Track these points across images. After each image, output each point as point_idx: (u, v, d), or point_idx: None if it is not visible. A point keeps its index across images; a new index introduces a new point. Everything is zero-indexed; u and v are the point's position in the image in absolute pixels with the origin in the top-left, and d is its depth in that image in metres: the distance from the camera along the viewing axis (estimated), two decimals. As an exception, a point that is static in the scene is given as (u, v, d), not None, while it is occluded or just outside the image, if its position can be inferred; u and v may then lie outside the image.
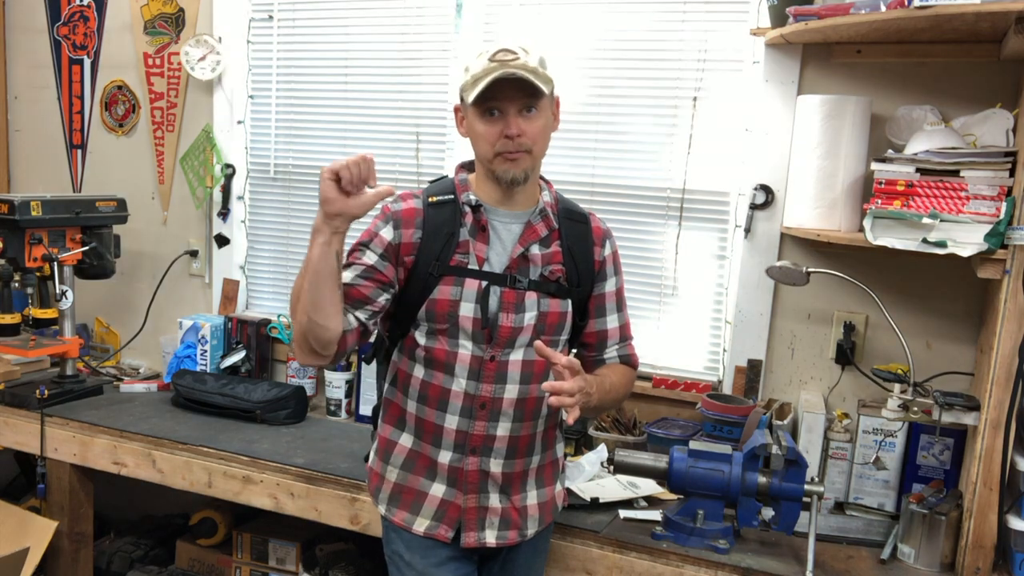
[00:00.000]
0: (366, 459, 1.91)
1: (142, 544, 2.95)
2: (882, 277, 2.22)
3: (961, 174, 1.84)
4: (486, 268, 1.69)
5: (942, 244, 1.83)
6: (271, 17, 2.95)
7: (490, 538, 1.73)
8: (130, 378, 3.02)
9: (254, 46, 2.99)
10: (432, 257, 1.67)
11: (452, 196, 1.71)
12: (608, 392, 1.74)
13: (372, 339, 1.78)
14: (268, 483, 2.29)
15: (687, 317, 2.54)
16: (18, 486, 3.17)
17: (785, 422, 2.20)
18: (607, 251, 1.82)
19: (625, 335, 1.89)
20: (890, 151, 2.01)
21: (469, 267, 1.68)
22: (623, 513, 2.06)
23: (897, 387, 1.98)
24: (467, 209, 1.70)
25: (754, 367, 2.41)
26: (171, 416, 2.64)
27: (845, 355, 2.30)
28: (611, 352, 1.86)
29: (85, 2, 3.19)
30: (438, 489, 1.73)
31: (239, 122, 3.01)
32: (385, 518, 1.79)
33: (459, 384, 1.69)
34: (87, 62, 3.22)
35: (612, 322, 1.85)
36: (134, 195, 3.04)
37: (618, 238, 2.55)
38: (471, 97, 1.59)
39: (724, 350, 2.49)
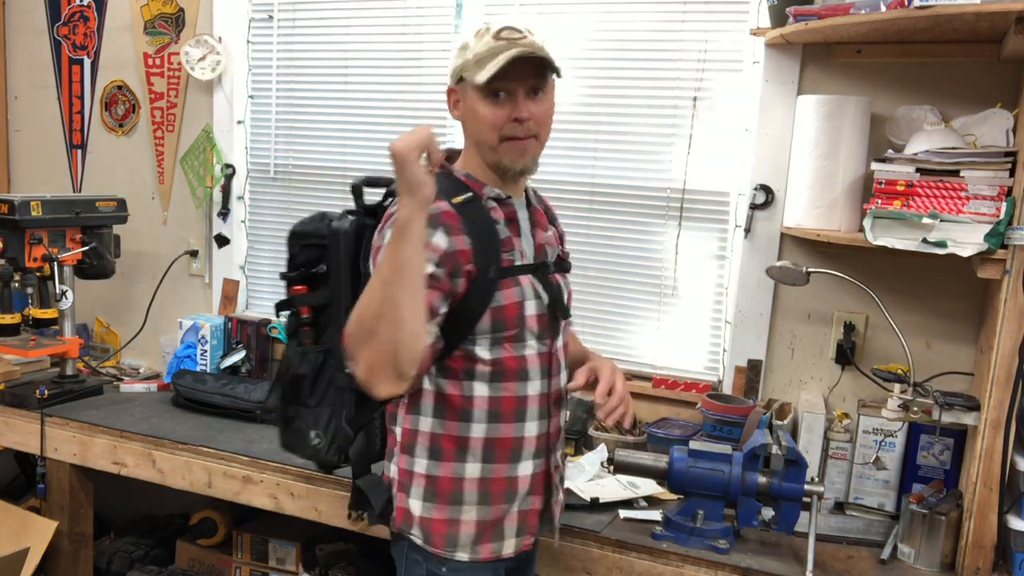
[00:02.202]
0: (382, 515, 1.64)
1: (142, 544, 2.95)
2: (882, 277, 2.22)
3: (961, 174, 1.84)
4: (525, 260, 1.60)
5: (942, 244, 1.83)
6: (271, 17, 2.95)
7: (557, 529, 1.74)
8: (130, 378, 3.02)
9: (254, 46, 2.99)
10: (489, 262, 1.52)
11: (472, 193, 1.57)
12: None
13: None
14: (268, 483, 2.29)
15: (687, 317, 2.54)
16: (18, 486, 3.17)
17: (785, 422, 2.20)
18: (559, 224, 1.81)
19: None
20: (890, 151, 2.01)
21: (516, 264, 1.58)
22: (623, 513, 2.06)
23: (897, 387, 1.98)
24: (493, 204, 1.58)
25: (754, 367, 2.41)
26: (171, 416, 2.64)
27: (845, 355, 2.30)
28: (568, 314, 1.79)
29: (85, 2, 3.19)
30: (518, 504, 1.62)
31: (239, 122, 3.01)
32: (467, 563, 1.59)
33: (534, 387, 1.60)
34: (87, 62, 3.22)
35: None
36: (134, 195, 3.04)
37: (618, 238, 2.58)
38: (480, 77, 1.49)
39: (724, 350, 2.49)
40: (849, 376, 2.33)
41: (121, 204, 2.91)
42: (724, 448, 1.96)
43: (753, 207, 2.37)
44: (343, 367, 1.57)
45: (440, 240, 1.48)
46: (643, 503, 2.13)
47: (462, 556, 1.59)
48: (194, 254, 3.11)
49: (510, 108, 1.52)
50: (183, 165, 3.09)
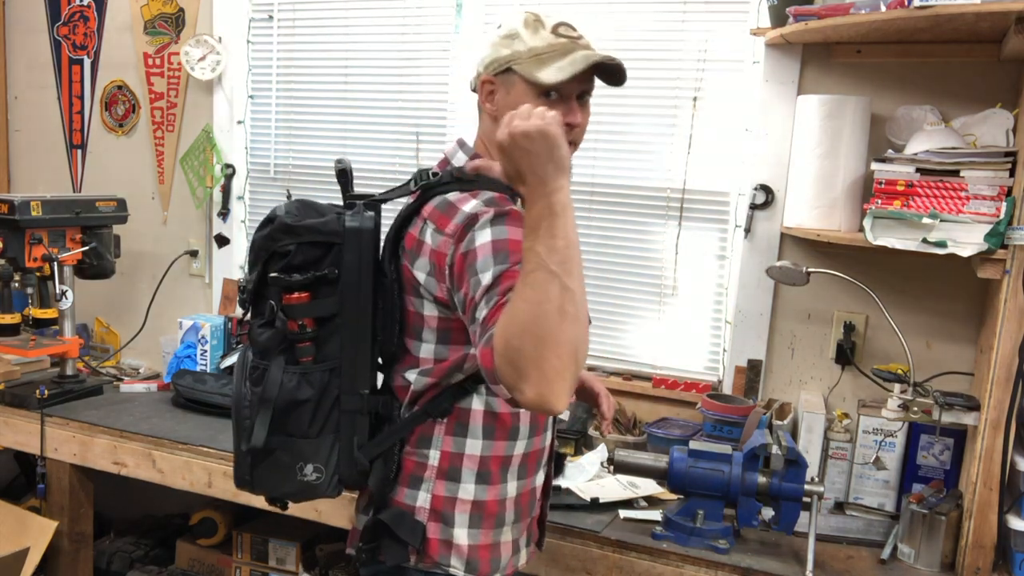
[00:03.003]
0: (411, 548, 1.47)
1: (142, 544, 2.95)
2: (882, 277, 2.22)
3: (961, 174, 1.84)
4: None
5: (942, 244, 1.83)
6: (271, 17, 2.94)
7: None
8: (130, 378, 3.02)
9: (254, 46, 2.99)
10: None
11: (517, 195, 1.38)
12: None
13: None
14: (268, 483, 2.29)
15: (687, 317, 2.54)
16: (18, 486, 3.17)
17: (785, 422, 2.20)
18: None
19: None
20: (890, 151, 2.01)
21: None
22: (623, 513, 2.06)
23: (897, 387, 1.98)
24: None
25: (754, 367, 2.41)
26: (171, 416, 2.64)
27: (845, 355, 2.30)
28: None
29: (85, 2, 3.19)
30: (532, 514, 1.61)
31: (239, 122, 3.01)
32: None
33: None
34: (87, 62, 3.22)
35: None
36: (134, 195, 3.04)
37: (618, 238, 2.58)
38: (549, 76, 1.40)
39: (724, 350, 2.49)
40: (849, 376, 2.33)
41: (121, 204, 2.91)
42: (724, 448, 1.96)
43: (753, 207, 2.37)
44: (354, 388, 1.46)
45: None
46: (643, 503, 2.12)
47: None
48: (194, 254, 3.11)
49: (561, 111, 1.39)
50: (183, 165, 3.09)
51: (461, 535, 1.47)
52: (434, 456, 1.48)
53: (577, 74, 1.40)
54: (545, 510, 1.69)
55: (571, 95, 1.44)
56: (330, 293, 1.46)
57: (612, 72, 1.46)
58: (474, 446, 1.47)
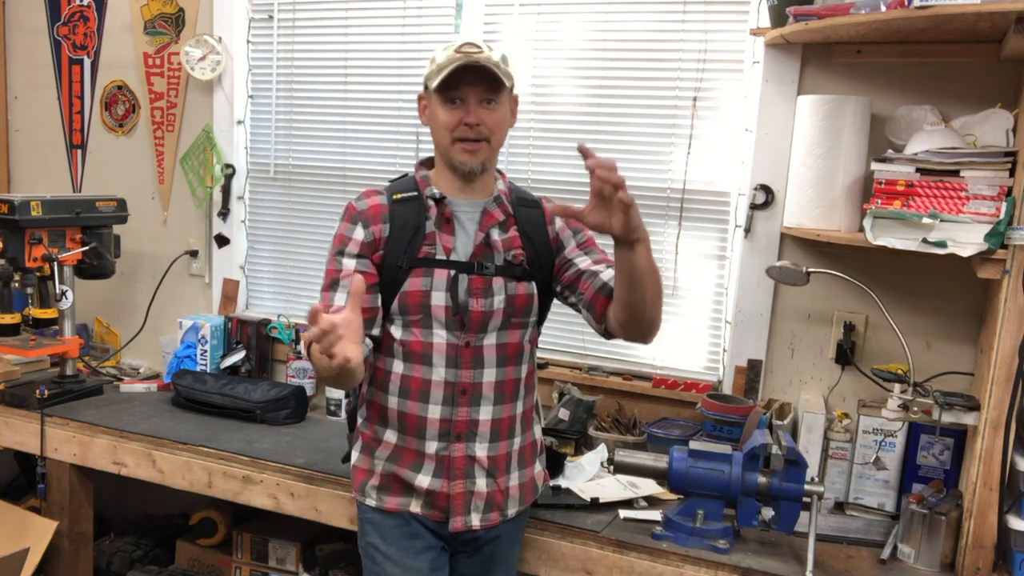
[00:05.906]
0: (345, 459, 1.99)
1: (142, 544, 2.95)
2: (882, 277, 2.22)
3: (961, 174, 1.84)
4: (453, 257, 1.75)
5: (942, 244, 1.83)
6: (271, 17, 2.95)
7: (475, 521, 1.79)
8: (130, 378, 3.02)
9: (254, 46, 2.99)
10: (400, 251, 1.73)
11: (416, 192, 1.78)
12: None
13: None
14: (268, 483, 2.29)
15: (687, 317, 2.54)
16: (18, 486, 3.17)
17: (785, 422, 2.20)
18: (558, 225, 1.84)
19: (608, 261, 1.79)
20: (890, 151, 2.01)
21: (437, 257, 1.74)
22: (623, 513, 2.06)
23: (897, 387, 1.98)
24: (431, 203, 1.76)
25: (754, 367, 2.41)
26: (171, 416, 2.64)
27: (845, 355, 2.30)
28: (609, 272, 1.76)
29: (85, 2, 3.19)
30: (424, 480, 1.77)
31: (239, 122, 3.01)
32: (374, 508, 1.82)
33: (438, 373, 1.74)
34: (87, 62, 3.22)
35: (595, 255, 1.81)
36: (134, 195, 3.04)
37: (618, 238, 2.57)
38: (435, 84, 1.67)
39: (724, 350, 2.49)
40: (849, 376, 2.33)
41: (121, 204, 2.91)
42: (724, 448, 1.96)
43: (753, 207, 2.37)
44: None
45: (358, 235, 1.74)
46: (643, 503, 2.13)
47: (371, 501, 1.83)
48: (194, 254, 3.11)
49: (463, 113, 1.69)
50: (183, 165, 3.09)
51: (354, 455, 1.89)
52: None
53: (448, 77, 1.64)
54: (468, 495, 1.77)
55: (469, 99, 1.68)
56: None
57: (496, 76, 1.67)
58: (365, 389, 1.86)
